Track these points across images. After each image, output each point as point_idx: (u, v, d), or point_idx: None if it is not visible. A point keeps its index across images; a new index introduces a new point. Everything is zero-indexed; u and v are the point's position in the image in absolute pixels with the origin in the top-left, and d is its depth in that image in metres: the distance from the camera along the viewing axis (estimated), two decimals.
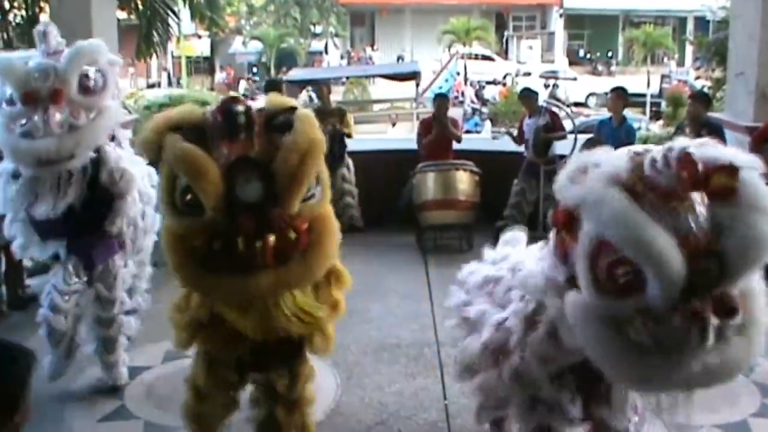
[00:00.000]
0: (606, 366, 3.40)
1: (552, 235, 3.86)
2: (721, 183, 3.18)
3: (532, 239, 11.65)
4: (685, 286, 3.07)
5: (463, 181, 11.74)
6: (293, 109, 4.55)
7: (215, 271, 4.41)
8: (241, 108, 4.48)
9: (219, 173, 4.25)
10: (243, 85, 44.99)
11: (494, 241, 11.98)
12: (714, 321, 3.10)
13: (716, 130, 10.49)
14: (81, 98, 6.43)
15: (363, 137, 13.58)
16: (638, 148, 3.50)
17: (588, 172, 3.42)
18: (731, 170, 3.21)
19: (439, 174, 11.76)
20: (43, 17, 13.82)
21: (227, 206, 4.26)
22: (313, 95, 30.06)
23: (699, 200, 3.18)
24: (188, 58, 50.96)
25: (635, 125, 19.82)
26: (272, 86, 12.45)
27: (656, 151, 3.31)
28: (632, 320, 3.19)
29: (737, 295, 3.17)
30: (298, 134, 4.36)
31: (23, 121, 6.17)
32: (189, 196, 4.36)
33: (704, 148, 3.34)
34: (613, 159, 3.45)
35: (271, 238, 4.33)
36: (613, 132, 11.48)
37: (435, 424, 6.62)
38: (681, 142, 3.33)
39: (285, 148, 4.34)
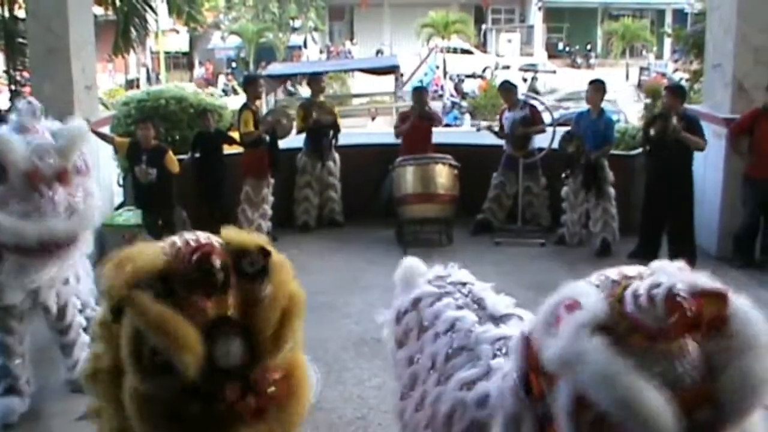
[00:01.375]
0: None
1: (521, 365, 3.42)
2: (712, 313, 2.89)
3: (512, 232, 11.77)
4: None
5: (442, 174, 11.72)
6: (265, 252, 4.04)
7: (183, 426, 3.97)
8: (219, 263, 3.94)
9: (199, 339, 3.78)
10: (222, 80, 44.90)
11: (474, 234, 12.12)
12: None
13: (692, 122, 10.55)
14: (76, 179, 6.43)
15: (343, 131, 13.55)
16: (614, 273, 3.16)
17: (561, 314, 3.08)
18: (720, 297, 2.91)
19: (418, 168, 11.74)
20: (20, 13, 13.73)
21: (207, 369, 3.80)
22: (292, 89, 30.24)
23: (690, 342, 2.90)
24: (167, 53, 50.80)
25: (614, 117, 19.90)
26: (250, 82, 12.42)
27: (637, 284, 2.97)
28: None
29: None
30: (277, 289, 3.98)
31: (19, 201, 6.09)
32: (158, 356, 3.85)
33: (686, 278, 3.07)
34: (590, 300, 3.05)
35: (253, 400, 3.97)
36: (592, 124, 11.52)
37: None
38: (664, 276, 2.97)
39: (265, 306, 3.95)
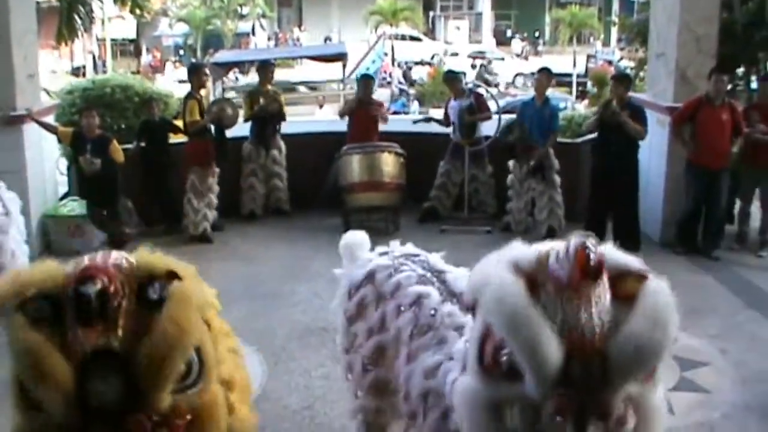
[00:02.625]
0: None
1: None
2: (630, 287, 3.12)
3: (458, 220, 11.82)
4: (564, 383, 2.95)
5: (389, 163, 11.74)
6: (171, 275, 3.60)
7: None
8: (92, 289, 3.41)
9: (70, 375, 3.29)
10: (169, 68, 44.49)
11: (421, 222, 12.15)
12: (596, 428, 2.99)
13: (637, 111, 10.68)
14: None
15: (290, 119, 13.52)
16: (545, 245, 3.34)
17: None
18: (640, 277, 3.15)
19: (365, 156, 11.75)
20: None
21: (80, 409, 3.30)
22: (239, 77, 30.06)
23: (598, 297, 3.08)
24: (113, 40, 50.19)
25: (561, 105, 20.02)
26: (194, 70, 12.34)
27: (561, 245, 3.21)
28: (510, 405, 3.10)
29: (620, 402, 3.05)
30: (167, 321, 3.42)
31: None
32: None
33: (616, 254, 3.27)
34: (520, 249, 3.34)
35: None
36: (537, 112, 11.59)
37: None
38: (582, 236, 3.21)
39: (150, 338, 3.39)
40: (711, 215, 10.92)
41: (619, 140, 10.58)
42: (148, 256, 3.72)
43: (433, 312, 4.26)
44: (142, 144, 11.56)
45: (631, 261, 3.25)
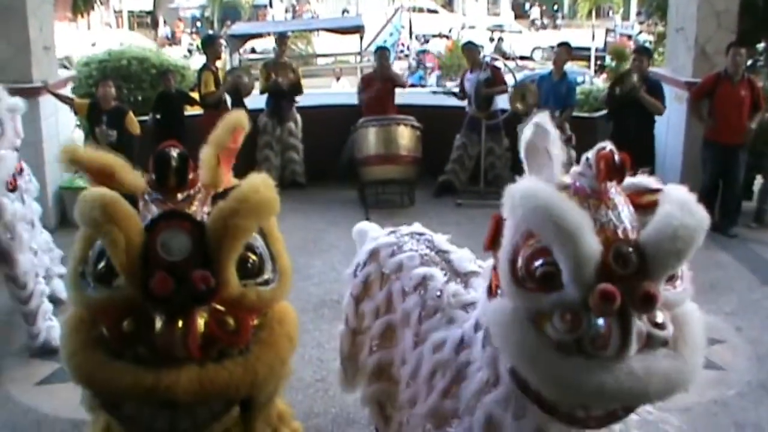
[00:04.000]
0: (528, 372, 3.13)
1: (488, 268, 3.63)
2: (649, 199, 3.15)
3: (474, 194, 11.79)
4: (604, 276, 2.91)
5: (405, 136, 11.72)
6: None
7: (120, 359, 3.29)
8: (174, 151, 3.60)
9: (139, 225, 3.28)
10: (186, 40, 44.41)
11: (436, 196, 12.14)
12: (638, 323, 2.94)
13: (655, 86, 10.64)
14: None
15: (307, 92, 13.48)
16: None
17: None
18: (658, 190, 3.18)
19: (381, 129, 11.72)
20: None
21: (145, 273, 3.20)
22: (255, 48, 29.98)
23: (623, 202, 3.12)
24: (130, 12, 50.18)
25: (579, 79, 19.90)
26: (209, 42, 12.30)
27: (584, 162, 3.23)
28: (550, 316, 3.02)
29: (658, 288, 2.96)
30: (245, 187, 3.48)
31: None
32: (102, 264, 3.37)
33: (634, 177, 3.28)
34: (541, 181, 3.27)
35: (200, 321, 3.25)
36: (554, 87, 11.56)
37: None
38: (601, 144, 3.23)
39: (225, 199, 3.44)
40: (728, 192, 10.88)
41: (635, 115, 10.53)
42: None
43: (438, 293, 4.22)
44: (158, 116, 11.55)
45: (646, 179, 3.29)
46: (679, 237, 2.94)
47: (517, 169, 11.61)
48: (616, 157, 3.10)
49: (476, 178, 12.24)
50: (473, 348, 3.70)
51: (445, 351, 3.92)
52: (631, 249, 2.95)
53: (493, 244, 3.41)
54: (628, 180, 3.24)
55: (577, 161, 3.26)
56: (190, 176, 3.62)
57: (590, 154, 3.16)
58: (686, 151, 11.24)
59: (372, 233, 5.07)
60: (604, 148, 3.14)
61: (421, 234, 4.78)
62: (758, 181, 11.38)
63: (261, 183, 3.57)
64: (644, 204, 3.15)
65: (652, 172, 10.71)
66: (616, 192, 3.12)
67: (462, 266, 4.35)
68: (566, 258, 2.92)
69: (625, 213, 3.08)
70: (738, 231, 10.81)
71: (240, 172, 11.40)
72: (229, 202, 3.39)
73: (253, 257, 3.55)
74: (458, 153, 12.46)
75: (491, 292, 3.41)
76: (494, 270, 3.38)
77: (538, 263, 3.05)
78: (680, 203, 3.03)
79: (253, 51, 29.17)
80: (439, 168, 12.41)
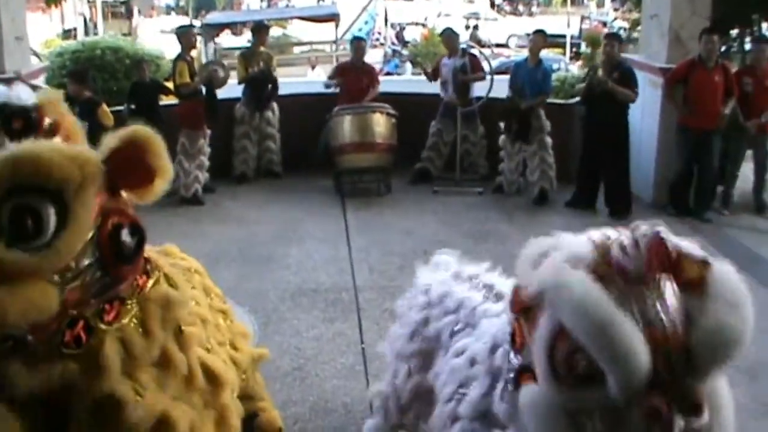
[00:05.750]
0: None
1: (510, 318, 3.40)
2: (694, 273, 2.87)
3: (450, 181, 11.80)
4: (650, 383, 2.73)
5: (380, 123, 11.69)
6: None
7: None
8: None
9: None
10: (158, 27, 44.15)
11: (413, 183, 12.14)
12: (679, 422, 2.76)
13: (627, 73, 10.69)
14: None
15: (282, 81, 13.43)
16: (597, 234, 3.05)
17: (548, 255, 3.03)
18: (704, 263, 2.89)
19: (356, 117, 11.70)
20: None
21: None
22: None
23: (669, 289, 2.84)
24: (104, 2, 49.84)
25: (555, 66, 19.94)
26: (184, 32, 12.23)
27: (625, 235, 2.95)
28: (591, 414, 2.85)
29: (704, 393, 2.83)
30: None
31: None
32: None
33: (677, 240, 3.10)
34: (575, 242, 3.05)
35: None
36: (530, 73, 11.56)
37: (352, 367, 6.66)
38: (650, 227, 2.95)
39: None
40: (703, 177, 10.93)
41: (608, 105, 10.60)
42: None
43: (473, 310, 4.12)
44: (133, 106, 11.49)
45: (689, 245, 3.01)
46: (730, 341, 2.76)
47: (492, 157, 11.60)
48: (671, 249, 2.88)
49: (452, 165, 12.24)
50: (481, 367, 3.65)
51: (461, 358, 3.89)
52: (679, 352, 2.76)
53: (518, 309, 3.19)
54: (675, 240, 2.97)
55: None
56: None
57: (639, 235, 2.92)
58: (661, 136, 11.28)
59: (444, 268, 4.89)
60: (657, 235, 2.91)
61: (476, 274, 4.63)
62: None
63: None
64: (687, 281, 2.88)
65: (627, 159, 10.82)
66: (662, 277, 2.87)
67: (503, 291, 4.14)
68: (614, 375, 2.73)
69: (672, 304, 2.83)
70: (712, 216, 10.90)
71: (218, 162, 11.32)
72: None
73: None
74: (434, 140, 12.46)
75: (514, 342, 3.25)
76: (517, 322, 3.21)
77: (579, 359, 2.84)
78: (731, 298, 2.81)
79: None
80: (415, 155, 12.40)
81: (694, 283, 2.86)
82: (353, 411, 6.00)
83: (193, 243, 8.96)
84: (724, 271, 2.89)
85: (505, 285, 4.21)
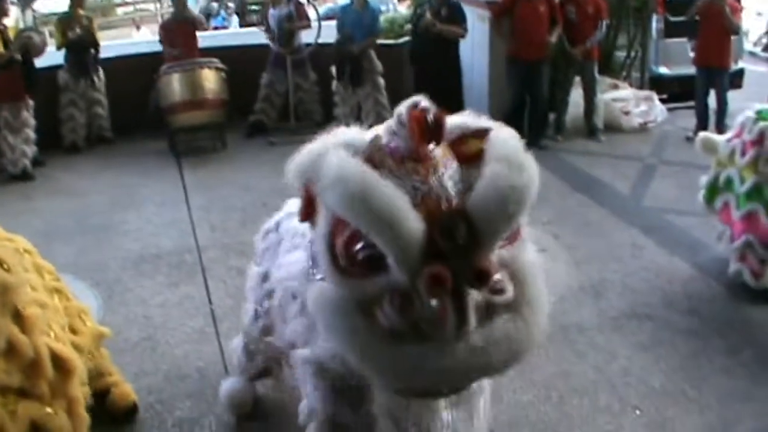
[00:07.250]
0: (360, 365, 2.89)
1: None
2: (475, 147, 2.89)
3: (286, 131, 11.69)
4: (430, 255, 2.65)
5: (210, 79, 11.47)
6: None
7: None
8: None
9: None
10: None
11: (248, 137, 11.98)
12: (474, 295, 2.74)
13: (455, 10, 10.79)
14: None
15: (106, 44, 13.01)
16: (376, 127, 3.06)
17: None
18: (482, 133, 2.92)
19: (184, 74, 11.42)
20: None
21: None
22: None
23: (447, 162, 2.84)
24: None
25: (383, 7, 19.94)
26: None
27: (393, 119, 2.94)
28: (379, 301, 2.76)
29: (493, 260, 2.79)
30: None
31: None
32: None
33: (460, 118, 3.05)
34: (350, 131, 3.06)
35: None
36: (357, 17, 11.53)
37: (202, 330, 6.52)
38: (413, 99, 2.94)
39: None
40: (534, 106, 11.22)
41: (437, 43, 10.68)
42: None
43: (302, 233, 3.87)
44: None
45: (467, 120, 3.07)
46: (510, 200, 2.71)
47: (326, 103, 11.55)
48: (430, 117, 2.85)
49: (287, 115, 12.14)
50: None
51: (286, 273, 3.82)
52: (457, 220, 2.69)
53: (307, 216, 3.12)
54: (452, 120, 3.01)
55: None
56: None
57: (402, 109, 2.90)
58: (492, 69, 11.46)
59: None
60: (416, 106, 2.89)
61: None
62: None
63: None
64: (469, 155, 2.92)
65: (460, 93, 10.92)
66: (435, 149, 2.87)
67: None
68: (386, 246, 2.67)
69: (448, 175, 2.83)
70: (547, 143, 11.11)
71: (45, 134, 10.87)
72: None
73: None
74: (266, 91, 12.31)
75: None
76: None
77: (358, 247, 2.79)
78: (507, 158, 2.79)
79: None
80: (248, 108, 12.24)
81: (474, 155, 2.89)
82: (208, 374, 5.87)
83: (27, 220, 8.69)
84: (501, 136, 2.93)
85: None
